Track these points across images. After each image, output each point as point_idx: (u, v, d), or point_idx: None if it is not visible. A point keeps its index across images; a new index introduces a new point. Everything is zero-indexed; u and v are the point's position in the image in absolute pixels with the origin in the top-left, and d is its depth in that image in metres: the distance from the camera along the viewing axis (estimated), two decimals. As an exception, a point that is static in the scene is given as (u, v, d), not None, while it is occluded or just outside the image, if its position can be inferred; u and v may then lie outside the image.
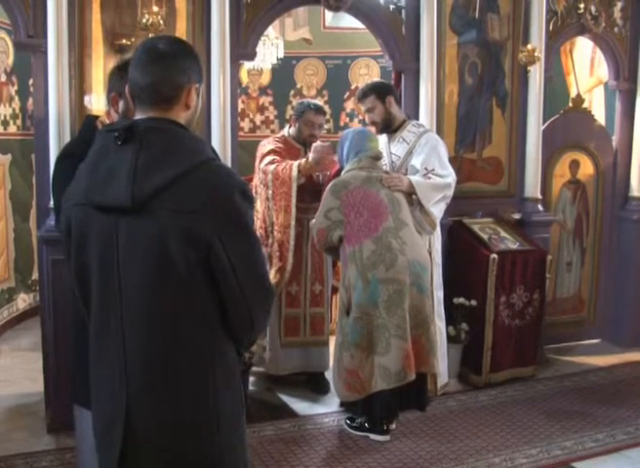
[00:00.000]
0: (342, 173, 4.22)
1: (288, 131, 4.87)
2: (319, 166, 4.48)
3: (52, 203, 3.94)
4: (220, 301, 1.86)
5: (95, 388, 1.96)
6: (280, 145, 4.74)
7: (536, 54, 4.93)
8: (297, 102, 5.09)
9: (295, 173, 4.48)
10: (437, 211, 4.27)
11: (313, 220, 4.22)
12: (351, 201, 4.02)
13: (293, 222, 4.54)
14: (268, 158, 4.64)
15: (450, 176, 4.33)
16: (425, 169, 4.27)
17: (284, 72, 8.18)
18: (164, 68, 1.86)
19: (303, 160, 4.51)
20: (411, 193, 4.16)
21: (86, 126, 2.99)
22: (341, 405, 4.40)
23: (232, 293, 1.85)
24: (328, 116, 8.06)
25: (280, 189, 4.53)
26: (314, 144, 4.50)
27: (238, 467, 1.99)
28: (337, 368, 4.06)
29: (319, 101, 7.94)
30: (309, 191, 4.62)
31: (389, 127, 4.48)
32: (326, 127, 8.03)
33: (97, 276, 1.87)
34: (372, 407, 4.05)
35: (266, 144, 4.78)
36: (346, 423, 4.18)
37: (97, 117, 2.97)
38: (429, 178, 4.27)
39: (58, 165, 2.92)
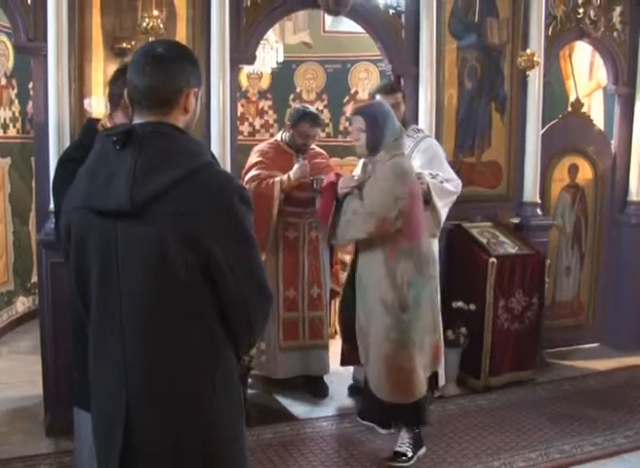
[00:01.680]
0: (385, 153, 3.71)
1: (282, 135, 4.86)
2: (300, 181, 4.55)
3: (51, 206, 3.95)
4: (219, 304, 1.87)
5: (95, 389, 1.97)
6: (270, 154, 4.73)
7: (535, 58, 4.94)
8: (292, 108, 5.06)
9: (277, 192, 4.52)
10: (444, 213, 4.26)
11: (366, 207, 3.69)
12: (412, 191, 3.74)
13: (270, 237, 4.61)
14: (252, 173, 4.64)
15: (457, 182, 4.33)
16: (430, 174, 4.23)
17: (283, 76, 8.18)
18: (162, 72, 1.86)
19: (285, 177, 4.53)
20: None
21: (86, 129, 3.00)
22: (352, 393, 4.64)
23: (231, 297, 1.86)
24: (327, 120, 8.13)
25: (256, 209, 4.54)
26: (295, 165, 4.54)
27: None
28: (386, 366, 3.74)
29: (319, 106, 8.01)
30: (304, 197, 4.62)
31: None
32: (325, 131, 8.10)
33: (96, 279, 1.88)
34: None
35: (257, 152, 4.78)
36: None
37: (97, 120, 2.98)
38: (441, 183, 4.25)
39: (58, 168, 2.93)
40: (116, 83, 2.85)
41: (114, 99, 2.89)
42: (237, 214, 1.83)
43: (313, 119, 4.67)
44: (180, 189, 1.76)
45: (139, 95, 1.88)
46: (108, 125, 2.78)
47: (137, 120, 1.89)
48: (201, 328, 1.86)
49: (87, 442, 2.43)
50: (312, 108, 4.84)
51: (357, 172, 4.48)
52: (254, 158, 4.73)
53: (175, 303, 1.82)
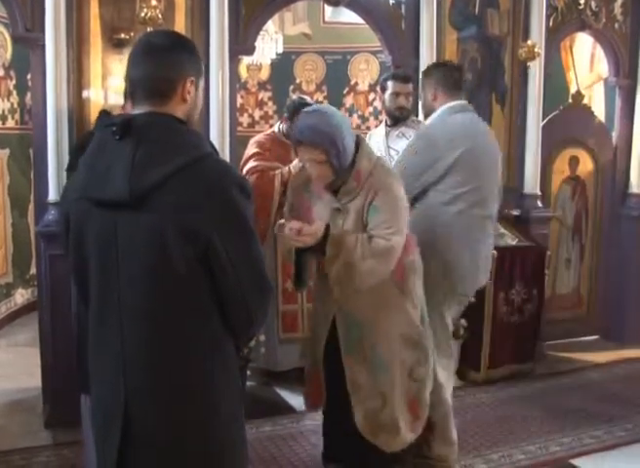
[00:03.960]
0: (361, 161, 2.93)
1: (279, 126, 4.85)
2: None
3: (50, 197, 3.95)
4: (218, 297, 1.85)
5: (94, 382, 1.96)
6: (267, 145, 4.72)
7: (536, 49, 4.92)
8: (289, 100, 5.05)
9: (278, 185, 4.52)
10: None
11: (382, 243, 2.81)
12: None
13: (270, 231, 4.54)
14: (251, 164, 4.63)
15: None
16: None
17: (283, 67, 8.16)
18: (156, 62, 1.86)
19: (285, 170, 4.52)
20: None
21: (99, 121, 3.01)
22: None
23: (230, 289, 1.84)
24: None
25: (257, 201, 4.53)
26: (296, 160, 4.50)
27: (237, 463, 2.00)
28: (412, 413, 3.10)
29: (318, 97, 7.98)
30: None
31: (406, 119, 4.42)
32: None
33: (96, 271, 1.87)
34: None
35: (254, 143, 4.77)
36: None
37: (110, 112, 3.00)
38: None
39: (71, 157, 2.98)
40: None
41: (126, 92, 2.92)
42: (237, 206, 1.82)
43: None
44: (179, 180, 1.75)
45: (135, 86, 1.88)
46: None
47: (136, 111, 1.88)
48: (201, 320, 1.85)
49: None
50: (309, 99, 4.83)
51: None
52: (251, 149, 4.72)
53: (174, 295, 1.81)
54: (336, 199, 2.95)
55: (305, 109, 3.10)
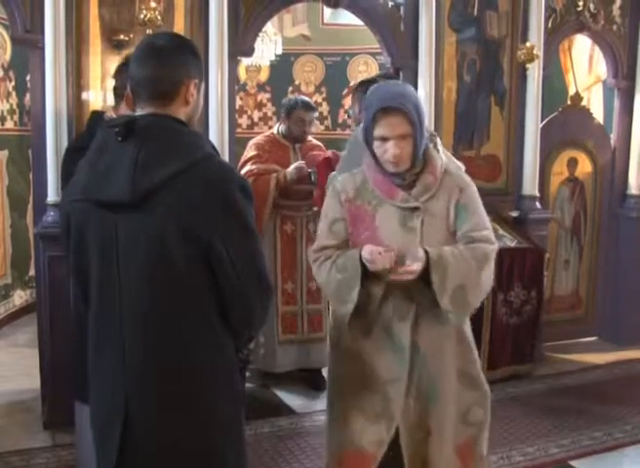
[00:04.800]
0: (434, 155, 2.60)
1: (278, 128, 4.87)
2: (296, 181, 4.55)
3: (49, 198, 3.94)
4: (219, 298, 1.85)
5: (93, 385, 1.96)
6: (267, 146, 4.73)
7: (534, 51, 4.92)
8: (285, 99, 5.08)
9: (272, 188, 4.52)
10: None
11: (485, 247, 2.53)
12: None
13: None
14: (247, 167, 4.64)
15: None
16: None
17: (282, 69, 8.16)
18: (161, 64, 1.86)
19: (281, 174, 4.53)
20: None
21: (93, 121, 3.01)
22: None
23: (231, 290, 1.85)
24: (326, 113, 8.11)
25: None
26: (292, 166, 4.56)
27: (237, 464, 2.00)
28: (462, 459, 2.72)
29: (317, 98, 7.99)
30: (301, 190, 4.61)
31: None
32: (324, 123, 8.09)
33: (96, 272, 1.88)
34: None
35: (252, 146, 4.78)
36: None
37: (102, 113, 2.99)
38: None
39: (66, 157, 2.96)
40: (119, 76, 2.85)
41: (118, 92, 2.91)
42: (238, 206, 1.83)
43: (306, 104, 4.72)
44: (181, 181, 1.76)
45: (139, 87, 1.89)
46: (114, 117, 2.79)
47: (138, 112, 1.89)
48: (201, 322, 1.86)
49: (89, 435, 2.43)
50: (303, 97, 4.91)
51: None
52: (250, 152, 4.73)
53: (175, 296, 1.82)
54: (410, 197, 2.53)
55: (381, 82, 2.81)
